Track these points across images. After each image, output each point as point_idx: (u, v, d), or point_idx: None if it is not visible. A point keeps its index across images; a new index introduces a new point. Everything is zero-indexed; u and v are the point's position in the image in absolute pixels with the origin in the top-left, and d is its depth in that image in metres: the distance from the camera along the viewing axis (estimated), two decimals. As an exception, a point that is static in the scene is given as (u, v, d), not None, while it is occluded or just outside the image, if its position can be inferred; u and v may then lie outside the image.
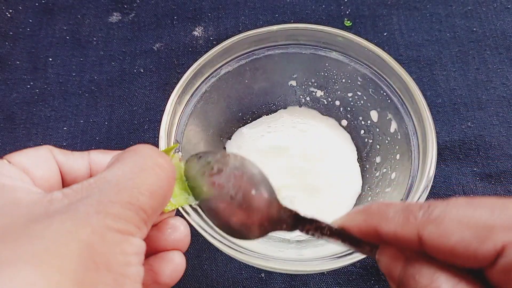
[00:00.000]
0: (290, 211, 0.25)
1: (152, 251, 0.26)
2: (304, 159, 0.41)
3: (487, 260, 0.18)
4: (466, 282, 0.19)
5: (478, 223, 0.18)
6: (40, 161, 0.24)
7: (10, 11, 0.54)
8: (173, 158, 0.28)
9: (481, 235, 0.18)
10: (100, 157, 0.26)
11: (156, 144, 0.46)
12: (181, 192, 0.27)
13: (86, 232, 0.19)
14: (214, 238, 0.30)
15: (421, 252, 0.20)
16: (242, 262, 0.40)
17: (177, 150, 0.34)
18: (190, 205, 0.30)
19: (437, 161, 0.32)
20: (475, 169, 0.44)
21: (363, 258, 0.40)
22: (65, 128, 0.47)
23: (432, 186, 0.32)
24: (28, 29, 0.53)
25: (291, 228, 0.25)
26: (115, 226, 0.19)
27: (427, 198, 0.31)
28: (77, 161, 0.26)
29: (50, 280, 0.17)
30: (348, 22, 0.52)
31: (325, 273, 0.40)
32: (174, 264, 0.26)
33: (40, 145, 0.48)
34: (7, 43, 0.52)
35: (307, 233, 0.25)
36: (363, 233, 0.22)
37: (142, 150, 0.23)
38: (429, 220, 0.20)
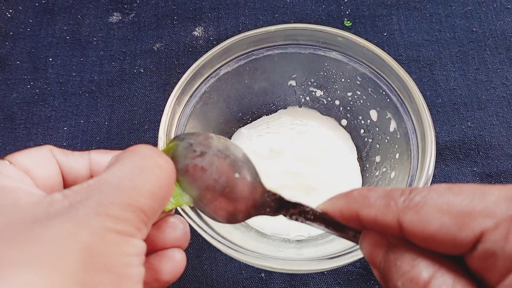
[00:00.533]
0: (274, 194, 0.25)
1: (152, 249, 0.26)
2: (302, 160, 0.41)
3: (466, 246, 0.18)
4: (447, 268, 0.19)
5: (458, 210, 0.18)
6: (41, 161, 0.24)
7: (10, 11, 0.54)
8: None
9: (460, 222, 0.18)
10: (101, 157, 0.26)
11: (156, 144, 0.46)
12: (181, 192, 0.27)
13: (85, 233, 0.19)
14: (214, 238, 0.30)
15: (403, 238, 0.20)
16: (242, 262, 0.40)
17: None
18: (191, 207, 0.30)
19: (437, 161, 0.32)
20: (475, 169, 0.44)
21: (363, 258, 0.40)
22: (65, 128, 0.47)
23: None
24: (28, 29, 0.53)
25: (274, 212, 0.25)
26: (115, 227, 0.19)
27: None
28: (78, 161, 0.26)
29: (51, 281, 0.17)
30: (348, 22, 0.52)
31: (325, 273, 0.40)
32: (175, 261, 0.26)
33: (40, 145, 0.48)
34: (7, 43, 0.52)
35: (290, 217, 0.24)
36: (344, 218, 0.22)
37: (141, 151, 0.23)
38: (409, 206, 0.19)
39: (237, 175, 0.25)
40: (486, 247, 0.18)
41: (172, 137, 0.34)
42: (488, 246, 0.17)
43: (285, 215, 0.25)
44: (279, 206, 0.25)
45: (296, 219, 0.24)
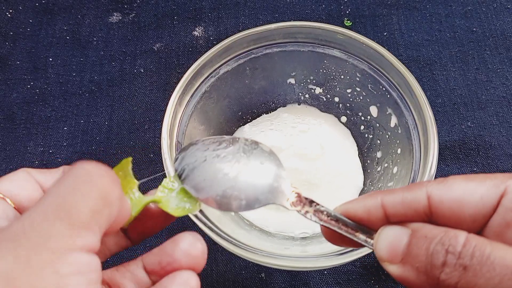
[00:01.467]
0: (295, 187, 0.27)
1: (166, 267, 0.25)
2: (302, 158, 0.41)
3: (491, 205, 0.20)
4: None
5: (482, 176, 0.21)
6: (22, 184, 0.24)
7: (10, 11, 0.54)
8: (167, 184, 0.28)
9: (485, 184, 0.20)
10: None
11: (156, 143, 0.46)
12: (180, 203, 0.27)
13: (7, 261, 0.17)
14: (220, 236, 0.30)
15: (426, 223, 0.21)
16: (242, 262, 0.40)
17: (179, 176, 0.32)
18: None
19: (437, 161, 0.32)
20: (475, 169, 0.44)
21: (364, 257, 0.40)
22: (65, 128, 0.47)
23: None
24: (28, 29, 0.53)
25: (291, 205, 0.26)
26: (45, 245, 0.18)
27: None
28: (55, 177, 0.25)
29: None
30: (348, 22, 0.52)
31: (325, 272, 0.40)
32: (189, 286, 0.24)
33: (41, 145, 0.48)
34: (7, 43, 0.52)
35: (305, 215, 0.26)
36: (367, 210, 0.23)
37: (77, 165, 0.22)
38: (435, 182, 0.21)
39: (262, 163, 0.27)
40: (510, 198, 0.20)
41: (174, 137, 0.35)
42: None
43: (299, 211, 0.26)
44: (297, 200, 0.26)
45: (310, 217, 0.25)
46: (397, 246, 0.21)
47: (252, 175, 0.27)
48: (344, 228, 0.24)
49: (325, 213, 0.25)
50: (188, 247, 0.24)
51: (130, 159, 0.26)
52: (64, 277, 0.18)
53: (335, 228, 0.24)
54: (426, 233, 0.20)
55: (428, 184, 0.21)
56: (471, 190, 0.20)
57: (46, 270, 0.17)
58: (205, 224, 0.30)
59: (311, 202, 0.26)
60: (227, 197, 0.27)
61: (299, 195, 0.26)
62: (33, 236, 0.18)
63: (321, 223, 0.25)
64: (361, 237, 0.24)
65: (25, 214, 0.19)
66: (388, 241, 0.22)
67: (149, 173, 0.44)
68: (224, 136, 0.28)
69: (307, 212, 0.25)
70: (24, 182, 0.24)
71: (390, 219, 0.22)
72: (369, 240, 0.23)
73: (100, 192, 0.20)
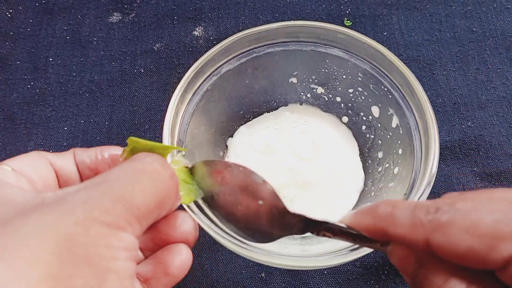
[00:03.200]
0: (299, 216, 0.25)
1: (159, 244, 0.26)
2: (300, 157, 0.41)
3: (497, 266, 0.18)
4: (478, 283, 0.19)
5: (486, 232, 0.18)
6: (35, 163, 0.25)
7: (10, 11, 0.54)
8: (175, 162, 0.28)
9: (489, 245, 0.18)
10: (81, 154, 0.27)
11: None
12: (187, 190, 0.27)
13: (68, 223, 0.18)
14: (219, 234, 0.30)
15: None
16: (242, 262, 0.40)
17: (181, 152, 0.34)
18: (196, 204, 0.30)
19: (438, 161, 0.32)
20: (475, 169, 0.44)
21: (364, 257, 0.40)
22: (65, 128, 0.47)
23: (432, 185, 0.32)
24: (29, 29, 0.53)
25: (302, 232, 0.26)
26: (103, 219, 0.19)
27: (429, 197, 0.31)
28: (67, 157, 0.26)
29: (21, 274, 0.17)
30: (348, 21, 0.52)
31: (325, 272, 0.40)
32: (183, 255, 0.26)
33: (41, 145, 0.48)
34: (7, 43, 0.52)
35: (318, 234, 0.25)
36: (372, 234, 0.23)
37: (140, 157, 0.23)
38: (436, 227, 0.20)
39: (260, 202, 0.26)
40: None
41: (176, 135, 0.34)
42: None
43: (312, 233, 0.25)
44: (305, 225, 0.25)
45: (324, 235, 0.25)
46: (406, 269, 0.22)
47: (255, 218, 0.27)
48: (359, 240, 0.24)
49: (337, 229, 0.24)
50: (180, 225, 0.26)
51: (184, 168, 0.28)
52: (115, 249, 0.19)
53: (349, 242, 0.24)
54: (428, 273, 0.20)
55: (428, 231, 0.20)
56: (474, 249, 0.18)
57: (102, 241, 0.19)
58: (203, 221, 0.30)
59: (320, 222, 0.25)
60: (243, 235, 0.28)
61: (306, 220, 0.25)
62: (94, 207, 0.19)
63: (336, 238, 0.25)
64: (377, 246, 0.24)
65: (86, 183, 0.21)
66: (397, 263, 0.22)
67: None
68: (217, 163, 0.27)
69: (319, 231, 0.25)
70: (38, 162, 0.25)
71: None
72: (385, 247, 0.23)
73: (160, 196, 0.22)
